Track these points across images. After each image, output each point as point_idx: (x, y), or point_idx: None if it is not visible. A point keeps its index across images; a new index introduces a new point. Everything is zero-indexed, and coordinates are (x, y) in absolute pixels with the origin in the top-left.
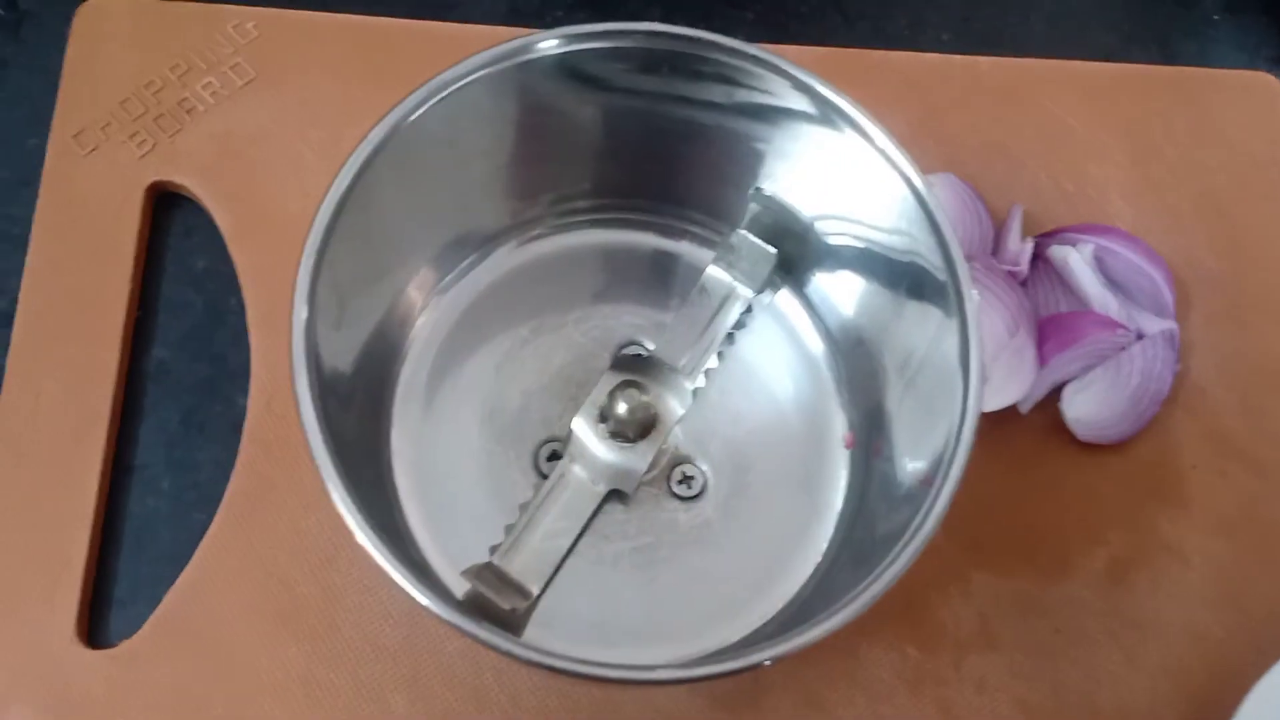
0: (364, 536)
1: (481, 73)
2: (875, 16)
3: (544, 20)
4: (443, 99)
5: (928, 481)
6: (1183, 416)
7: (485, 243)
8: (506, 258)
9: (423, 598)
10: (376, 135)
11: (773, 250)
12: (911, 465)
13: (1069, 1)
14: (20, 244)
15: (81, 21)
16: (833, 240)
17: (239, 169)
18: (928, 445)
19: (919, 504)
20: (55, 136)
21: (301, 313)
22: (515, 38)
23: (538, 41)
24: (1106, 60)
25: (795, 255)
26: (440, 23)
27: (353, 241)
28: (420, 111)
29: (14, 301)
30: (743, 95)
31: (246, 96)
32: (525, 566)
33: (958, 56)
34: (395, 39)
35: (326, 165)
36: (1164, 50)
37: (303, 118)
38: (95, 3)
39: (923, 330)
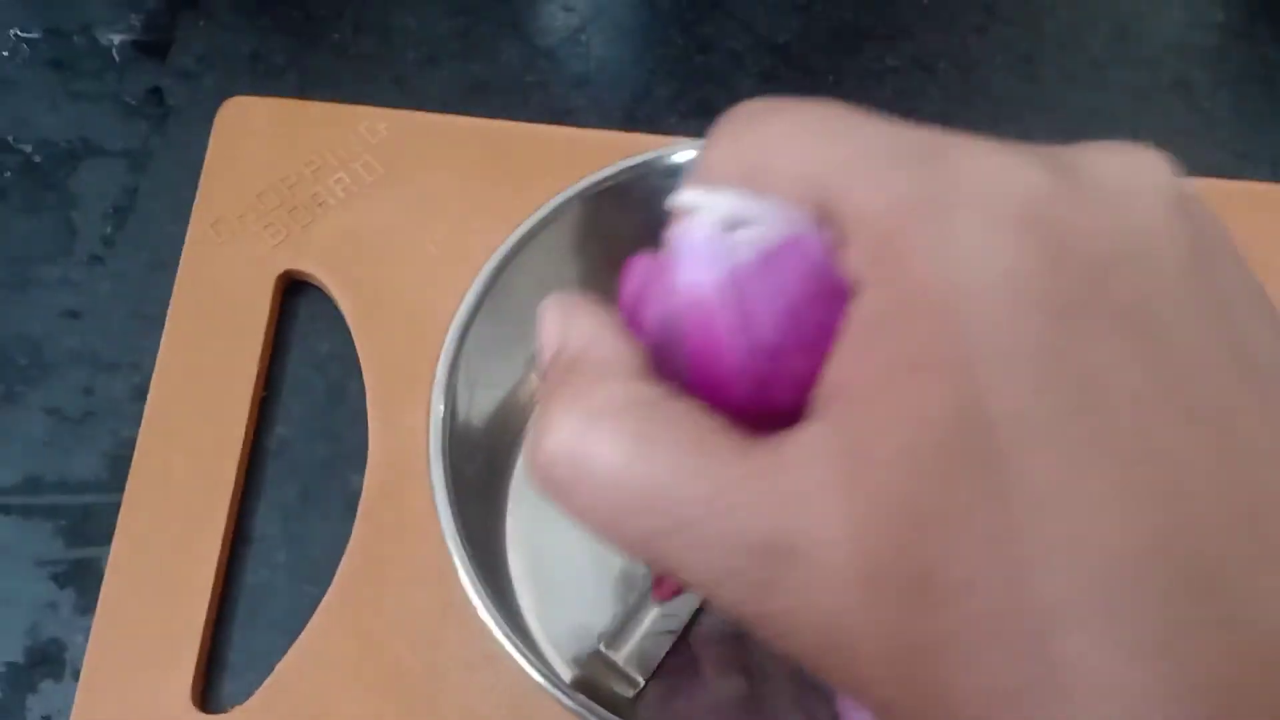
0: (497, 628)
1: (619, 178)
2: (983, 130)
3: (657, 126)
4: (577, 201)
5: None
6: None
7: None
8: None
9: (559, 693)
10: (515, 236)
11: None
12: None
13: (1178, 120)
14: (156, 324)
15: (224, 118)
16: None
17: (365, 260)
18: None
19: None
20: (194, 224)
21: (439, 407)
22: (631, 144)
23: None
24: (1217, 178)
25: None
26: (558, 126)
27: (483, 336)
28: (558, 213)
29: (148, 378)
30: None
31: (375, 192)
32: (632, 655)
33: None
34: (515, 141)
35: (447, 257)
36: (1275, 169)
37: (426, 213)
38: (237, 101)
39: None
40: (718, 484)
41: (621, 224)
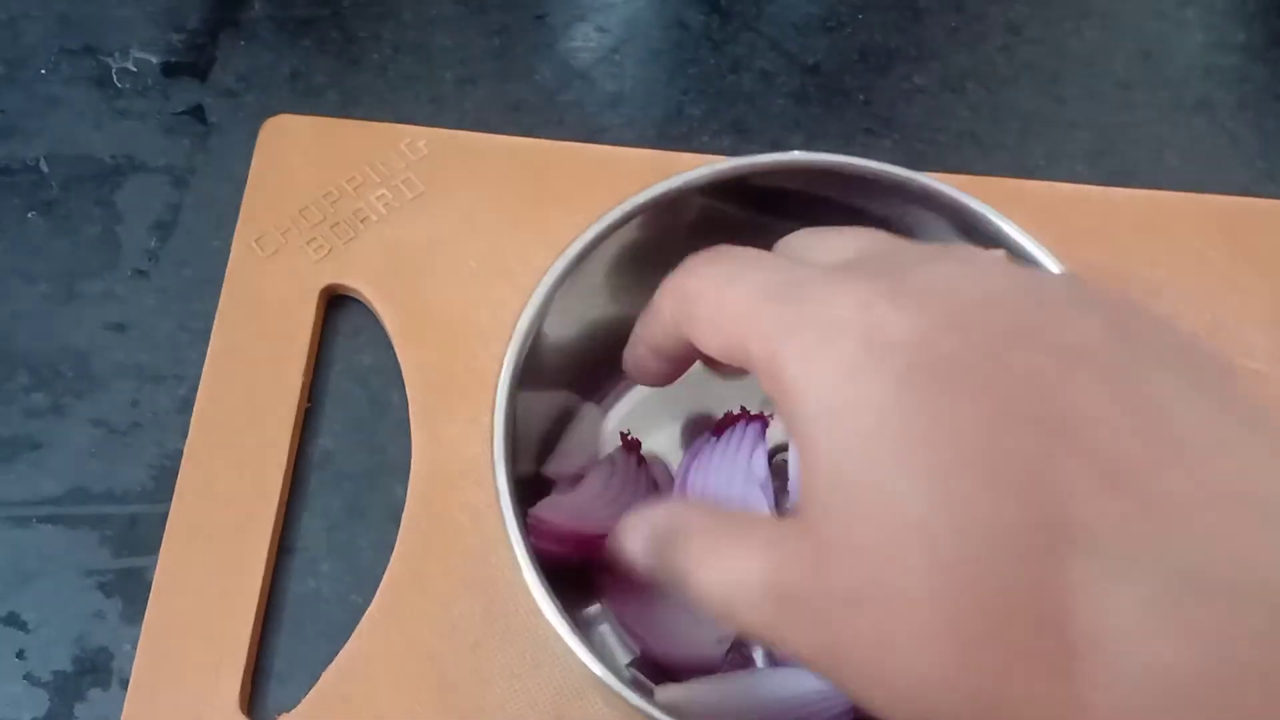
0: (563, 626)
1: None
2: (1012, 147)
3: (690, 145)
4: (622, 225)
5: None
6: None
7: None
8: None
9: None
10: (576, 246)
11: None
12: None
13: (1202, 138)
14: (202, 337)
15: (266, 136)
16: None
17: (407, 274)
18: None
19: None
20: (238, 240)
21: (501, 412)
22: (665, 162)
23: (757, 158)
24: (1242, 195)
25: None
26: (593, 145)
27: (542, 342)
28: (620, 223)
29: (194, 390)
30: (907, 216)
31: (415, 208)
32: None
33: (1094, 187)
34: (552, 159)
35: (487, 272)
36: None
37: (466, 229)
38: (279, 119)
39: None
40: (757, 552)
41: (671, 236)
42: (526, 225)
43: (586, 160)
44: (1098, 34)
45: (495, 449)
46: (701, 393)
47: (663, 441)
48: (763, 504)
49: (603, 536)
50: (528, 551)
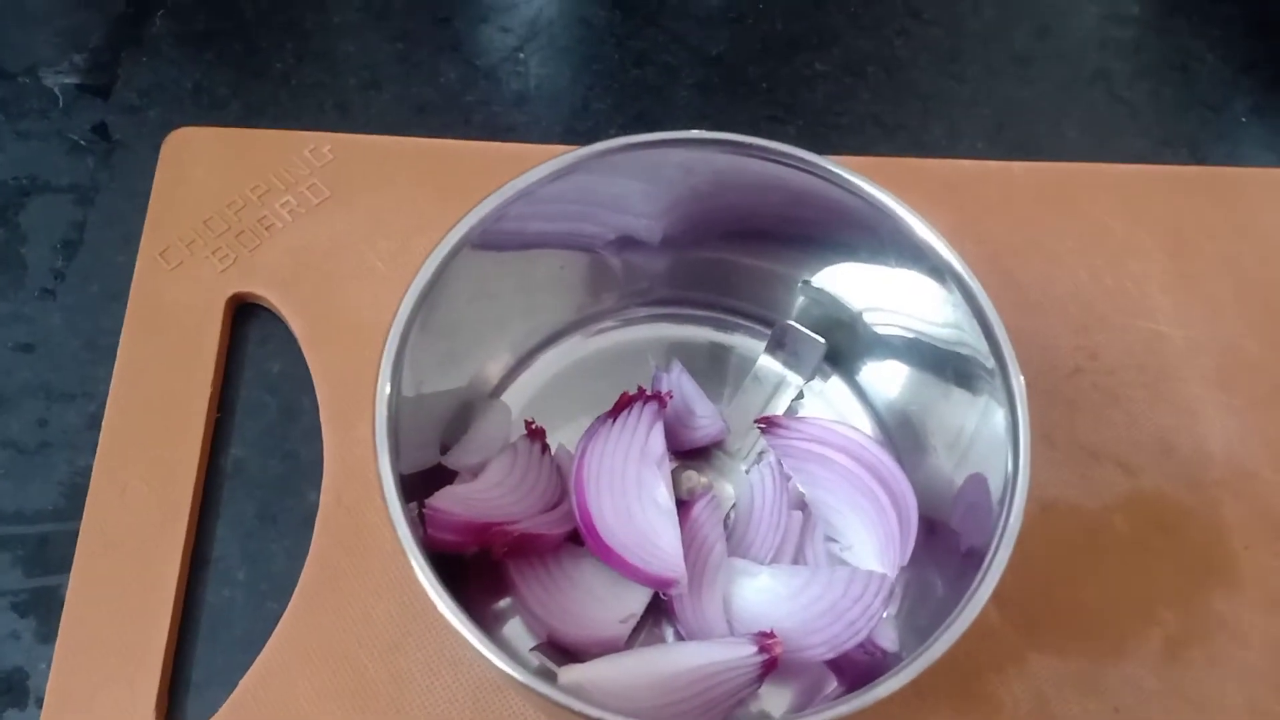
0: (451, 614)
1: (555, 180)
2: (913, 128)
3: (596, 139)
4: (514, 202)
5: (982, 551)
6: (1233, 500)
7: (554, 335)
8: (573, 349)
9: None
10: (453, 236)
11: (822, 340)
12: (967, 536)
13: (1100, 109)
14: (109, 353)
15: (169, 149)
16: (880, 330)
17: (314, 280)
18: (982, 517)
19: (975, 572)
20: (143, 253)
21: (385, 388)
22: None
23: (607, 146)
24: (1139, 164)
25: (844, 344)
26: (500, 143)
27: (429, 334)
28: (496, 213)
29: (103, 406)
30: (795, 195)
31: (321, 213)
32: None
33: (994, 162)
34: (459, 159)
35: (396, 274)
36: (1194, 153)
37: (373, 231)
38: (181, 132)
39: (970, 411)
40: None
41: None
42: (433, 226)
43: (493, 158)
44: (995, 12)
45: (377, 439)
46: (607, 381)
47: (569, 430)
48: (658, 481)
49: (502, 524)
50: (415, 541)
